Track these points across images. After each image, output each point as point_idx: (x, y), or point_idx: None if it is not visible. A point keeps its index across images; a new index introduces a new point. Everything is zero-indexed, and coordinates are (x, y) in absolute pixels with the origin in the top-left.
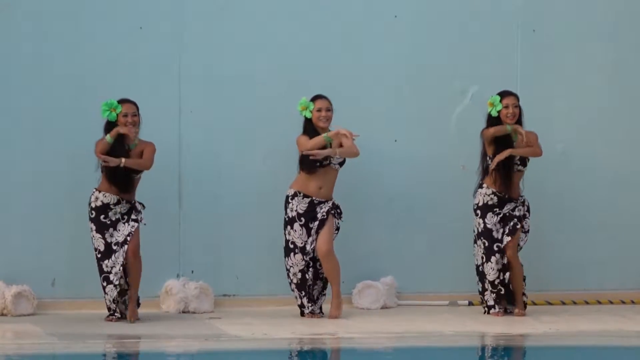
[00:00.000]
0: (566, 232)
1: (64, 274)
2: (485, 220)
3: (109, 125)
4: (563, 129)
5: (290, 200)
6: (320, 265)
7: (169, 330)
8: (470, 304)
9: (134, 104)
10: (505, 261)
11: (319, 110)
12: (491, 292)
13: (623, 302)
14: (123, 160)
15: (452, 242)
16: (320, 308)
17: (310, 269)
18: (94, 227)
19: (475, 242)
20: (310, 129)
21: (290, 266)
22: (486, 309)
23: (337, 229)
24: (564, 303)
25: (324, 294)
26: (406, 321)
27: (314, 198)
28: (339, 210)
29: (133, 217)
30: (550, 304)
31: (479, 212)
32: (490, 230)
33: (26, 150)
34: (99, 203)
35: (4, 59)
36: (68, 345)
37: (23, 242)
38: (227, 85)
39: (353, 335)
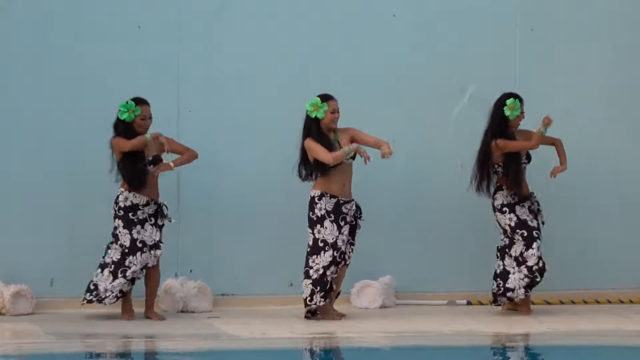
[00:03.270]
0: (565, 231)
1: (63, 273)
2: (517, 212)
3: (124, 126)
4: (562, 127)
5: (317, 201)
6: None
7: (167, 329)
8: (469, 303)
9: (149, 105)
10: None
11: (333, 112)
12: (526, 277)
13: (622, 302)
14: (172, 163)
15: (450, 242)
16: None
17: (333, 267)
18: (121, 224)
19: (498, 252)
20: (315, 129)
21: (317, 264)
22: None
23: (359, 227)
24: (562, 303)
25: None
26: (404, 321)
27: (339, 198)
28: (360, 211)
29: (159, 222)
30: (549, 303)
31: (505, 209)
32: (526, 220)
33: (25, 150)
34: (128, 203)
35: (3, 59)
36: (66, 345)
37: (22, 242)
38: (226, 85)
39: (351, 334)
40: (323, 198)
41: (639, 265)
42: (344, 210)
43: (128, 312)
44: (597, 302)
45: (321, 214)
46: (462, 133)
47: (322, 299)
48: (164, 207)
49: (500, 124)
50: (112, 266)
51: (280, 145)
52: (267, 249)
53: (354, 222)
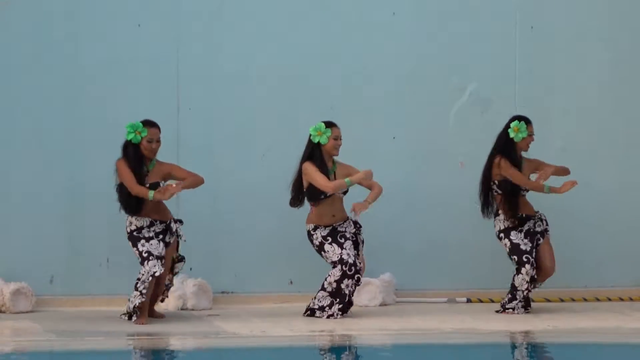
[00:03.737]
0: (565, 229)
1: (62, 271)
2: (511, 237)
3: (132, 148)
4: (561, 125)
5: (312, 233)
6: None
7: (167, 327)
8: (469, 301)
9: (159, 128)
10: (534, 273)
11: (336, 138)
12: (519, 302)
13: (621, 300)
14: (177, 186)
15: (450, 239)
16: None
17: (350, 281)
18: (131, 244)
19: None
20: (317, 154)
21: (330, 276)
22: (502, 308)
23: (362, 241)
24: (562, 300)
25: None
26: (404, 318)
27: (333, 224)
28: (359, 226)
29: (166, 239)
30: (549, 301)
31: (502, 235)
32: (518, 245)
33: (25, 149)
34: (133, 227)
35: (3, 59)
36: (66, 343)
37: (22, 240)
38: (225, 83)
39: (351, 332)
40: (317, 230)
41: (638, 263)
42: (340, 229)
43: (144, 316)
44: (597, 299)
45: (319, 242)
46: (461, 131)
47: (340, 312)
48: (172, 224)
49: (505, 145)
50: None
51: (280, 143)
52: (267, 246)
53: (355, 239)
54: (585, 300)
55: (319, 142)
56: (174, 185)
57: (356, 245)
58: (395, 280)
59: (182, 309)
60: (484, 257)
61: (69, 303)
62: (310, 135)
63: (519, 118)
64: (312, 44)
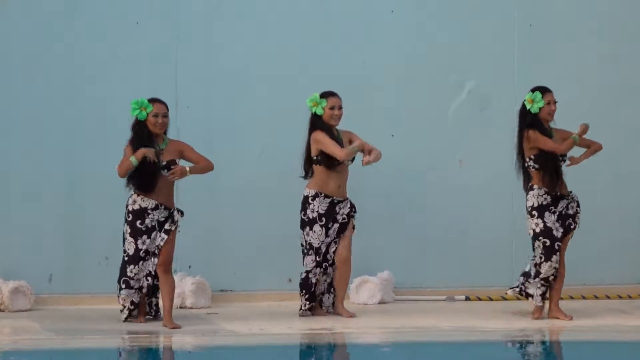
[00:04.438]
0: None
1: (61, 269)
2: (544, 219)
3: (138, 125)
4: (560, 122)
5: (310, 201)
6: (332, 269)
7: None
8: (467, 299)
9: (165, 104)
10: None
11: (332, 108)
12: (542, 285)
13: (620, 297)
14: (188, 168)
15: (449, 237)
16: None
17: (318, 269)
18: (128, 230)
19: (533, 242)
20: (321, 125)
21: (303, 267)
22: (524, 294)
23: (353, 227)
24: (561, 298)
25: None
26: (403, 316)
27: (334, 198)
28: (354, 209)
29: (166, 227)
30: (546, 299)
31: (535, 212)
32: (551, 229)
33: (24, 147)
34: (136, 207)
35: (1, 58)
36: (65, 341)
37: (21, 238)
38: (225, 81)
39: (350, 330)
40: (317, 198)
41: (638, 261)
42: (337, 209)
43: (142, 314)
44: (596, 297)
45: (312, 217)
46: (460, 128)
47: (307, 302)
48: (175, 212)
49: (528, 119)
50: (120, 279)
51: (279, 141)
52: (266, 245)
53: (346, 220)
54: (584, 298)
55: (316, 113)
56: (187, 170)
57: (343, 227)
58: (394, 278)
59: (180, 307)
60: (482, 255)
61: (68, 301)
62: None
63: (534, 89)
64: (311, 41)
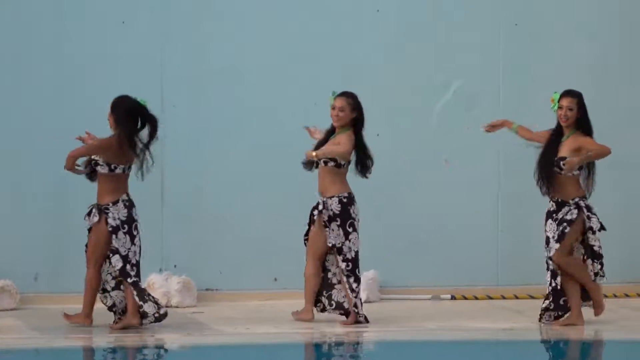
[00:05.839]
0: None
1: (47, 268)
2: (546, 228)
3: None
4: (546, 123)
5: (350, 205)
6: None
7: (151, 324)
8: (453, 298)
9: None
10: (553, 267)
11: (333, 108)
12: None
13: (615, 296)
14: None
15: (434, 236)
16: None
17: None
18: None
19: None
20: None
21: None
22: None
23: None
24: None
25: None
26: (389, 315)
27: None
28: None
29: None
30: (533, 297)
31: (544, 219)
32: (548, 239)
33: (11, 146)
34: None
35: None
36: (50, 340)
37: (6, 237)
38: (211, 80)
39: (335, 329)
40: (354, 203)
41: (633, 259)
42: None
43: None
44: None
45: (352, 220)
46: (446, 128)
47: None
48: (94, 208)
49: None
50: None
51: (266, 141)
52: (252, 244)
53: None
54: None
55: None
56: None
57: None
58: (379, 277)
59: (166, 306)
60: (468, 254)
61: (54, 301)
62: None
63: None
64: (296, 40)
